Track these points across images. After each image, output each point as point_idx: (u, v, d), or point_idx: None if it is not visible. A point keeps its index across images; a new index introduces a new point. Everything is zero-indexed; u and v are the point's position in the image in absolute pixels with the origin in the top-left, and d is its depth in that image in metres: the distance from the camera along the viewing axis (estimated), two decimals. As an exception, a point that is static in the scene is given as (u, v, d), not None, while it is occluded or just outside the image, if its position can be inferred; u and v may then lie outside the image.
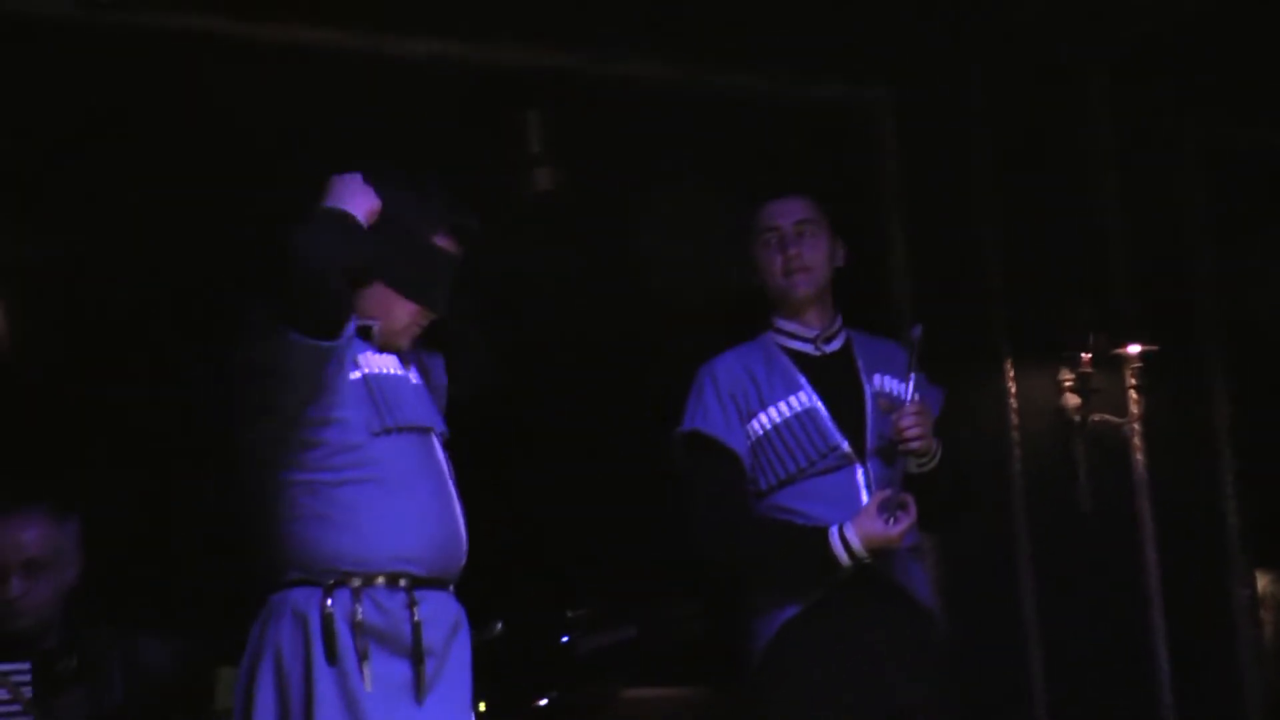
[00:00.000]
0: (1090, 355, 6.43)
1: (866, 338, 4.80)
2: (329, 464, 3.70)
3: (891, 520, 4.41)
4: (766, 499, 4.56)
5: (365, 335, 3.86)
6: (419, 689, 3.70)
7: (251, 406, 3.67)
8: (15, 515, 4.57)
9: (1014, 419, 6.42)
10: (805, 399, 4.60)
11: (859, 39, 6.32)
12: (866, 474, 4.55)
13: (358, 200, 3.75)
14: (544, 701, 6.02)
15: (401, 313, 3.87)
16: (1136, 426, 6.53)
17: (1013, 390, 6.43)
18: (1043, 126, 6.51)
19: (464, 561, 3.86)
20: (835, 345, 4.73)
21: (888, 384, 4.67)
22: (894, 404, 4.60)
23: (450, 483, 3.85)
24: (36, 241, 6.23)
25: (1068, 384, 6.46)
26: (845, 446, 4.54)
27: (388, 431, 3.74)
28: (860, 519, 4.43)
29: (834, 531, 4.43)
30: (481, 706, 5.97)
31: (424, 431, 3.82)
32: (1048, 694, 6.30)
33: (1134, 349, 6.49)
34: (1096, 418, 6.47)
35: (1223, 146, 6.86)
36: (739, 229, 4.75)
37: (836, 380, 4.66)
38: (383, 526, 3.71)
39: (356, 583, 3.68)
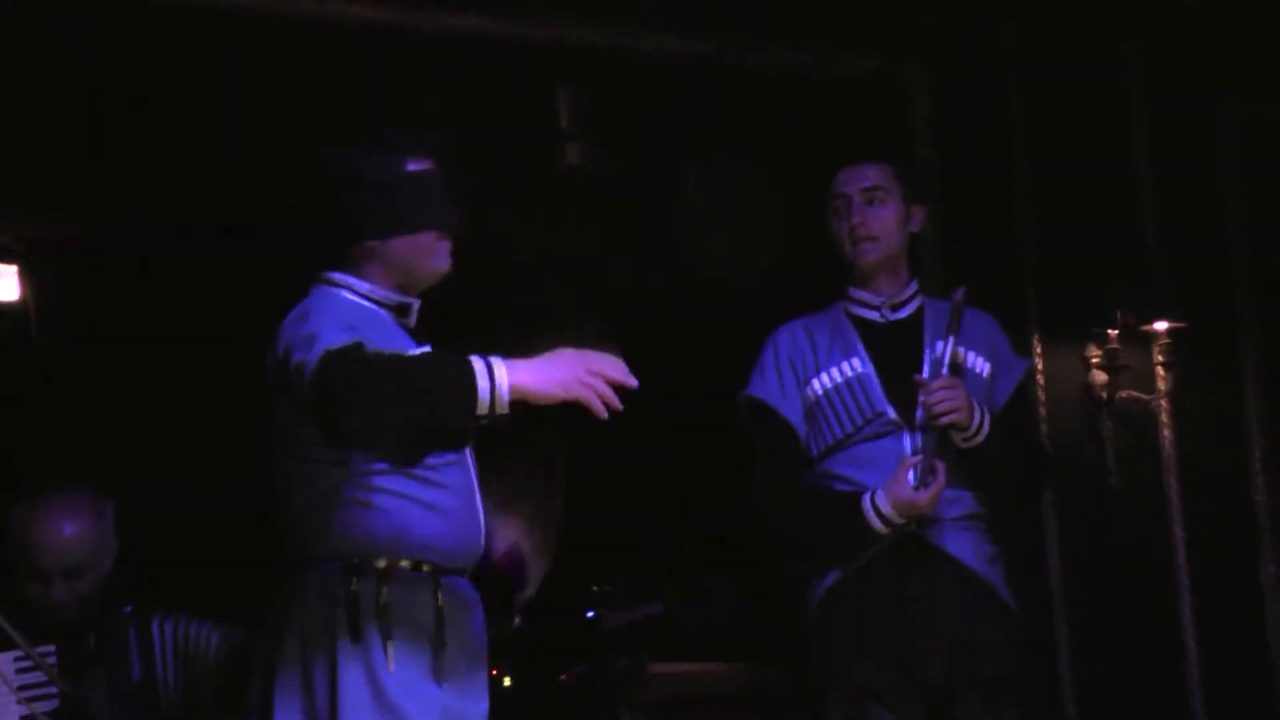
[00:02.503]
0: (1118, 332, 6.41)
1: (943, 305, 4.79)
2: (367, 454, 3.68)
3: (921, 488, 4.39)
4: (818, 464, 4.60)
5: (402, 313, 3.84)
6: (440, 672, 3.70)
7: (287, 390, 3.64)
8: (55, 508, 4.53)
9: (1041, 395, 6.40)
10: (858, 365, 4.63)
11: (892, 12, 6.30)
12: (914, 442, 4.56)
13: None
14: (568, 677, 6.02)
15: (423, 250, 3.84)
16: (1164, 403, 6.51)
17: (1040, 366, 6.41)
18: (1076, 101, 6.48)
19: (482, 550, 3.85)
20: (905, 313, 4.76)
21: (948, 349, 4.64)
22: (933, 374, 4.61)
23: (474, 472, 3.85)
24: (66, 218, 6.23)
25: (1095, 360, 6.44)
26: (891, 413, 4.57)
27: None
28: (890, 484, 4.47)
29: (866, 497, 4.47)
30: (506, 682, 5.99)
31: None
32: (1074, 670, 6.30)
33: (1162, 325, 6.46)
34: (1124, 394, 6.45)
35: (1257, 124, 6.82)
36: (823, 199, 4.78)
37: (898, 347, 4.68)
38: (414, 514, 3.71)
39: (383, 564, 3.68)
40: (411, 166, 3.83)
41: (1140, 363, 6.49)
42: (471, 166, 4.06)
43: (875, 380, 4.61)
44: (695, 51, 6.03)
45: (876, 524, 4.46)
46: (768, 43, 6.11)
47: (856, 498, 4.48)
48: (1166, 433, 6.51)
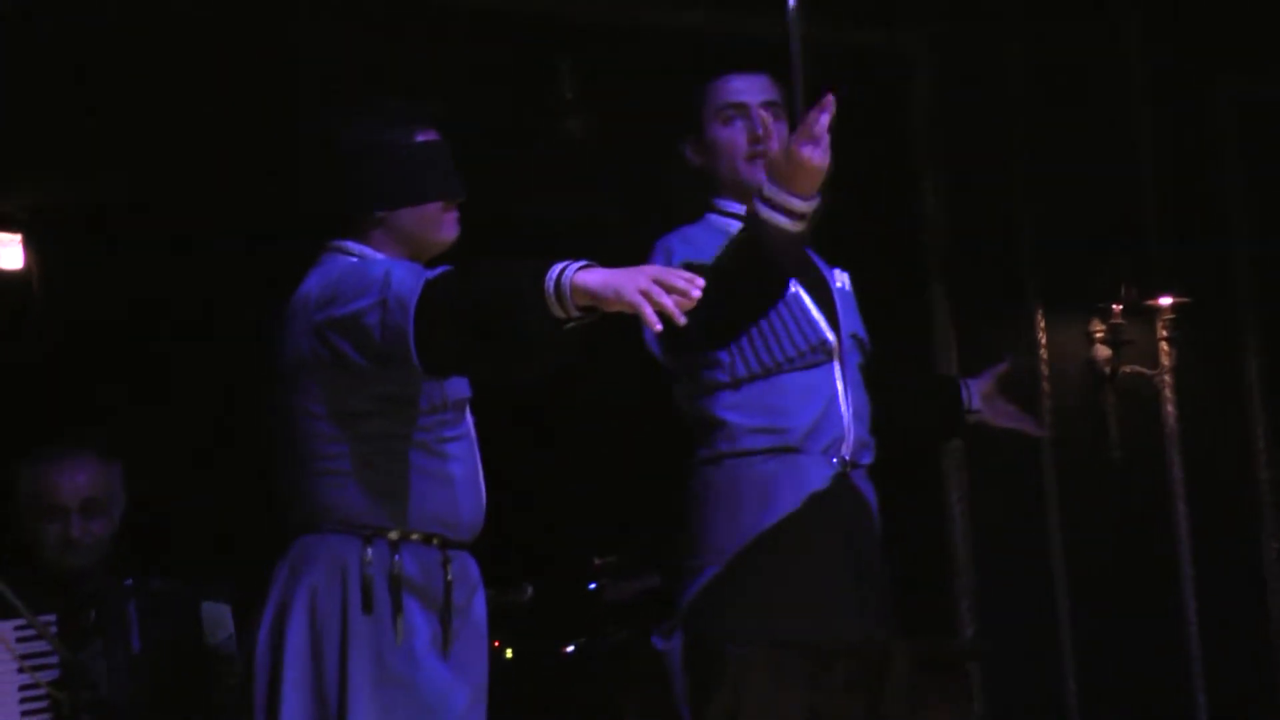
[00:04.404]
0: (1121, 306, 6.41)
1: None
2: (386, 425, 3.69)
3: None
4: (740, 389, 4.12)
5: None
6: (445, 644, 3.71)
7: (327, 358, 3.65)
8: (67, 454, 4.60)
9: (1044, 370, 6.41)
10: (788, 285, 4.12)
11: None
12: (843, 373, 4.17)
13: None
14: (571, 648, 6.03)
15: (430, 220, 3.83)
16: (1167, 378, 6.52)
17: (1043, 341, 6.42)
18: (1077, 77, 6.48)
19: (483, 523, 3.85)
20: None
21: (845, 280, 4.30)
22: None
23: (477, 447, 3.85)
24: (70, 186, 6.22)
25: (1099, 335, 6.44)
26: (831, 339, 4.15)
27: (446, 408, 3.73)
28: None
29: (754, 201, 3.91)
30: (509, 653, 5.99)
31: (465, 402, 3.82)
32: (1075, 644, 6.31)
33: (1165, 300, 6.47)
34: (1127, 369, 6.46)
35: (1257, 98, 6.82)
36: (686, 102, 4.29)
37: (805, 270, 4.20)
38: (425, 486, 3.70)
39: (394, 536, 3.68)
40: (419, 137, 3.82)
41: (1143, 338, 6.50)
42: (477, 138, 4.05)
43: (808, 303, 4.15)
44: (696, 23, 6.01)
45: (783, 220, 3.86)
46: (769, 14, 6.10)
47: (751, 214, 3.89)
48: (1169, 408, 6.52)
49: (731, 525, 4.07)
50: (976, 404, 4.46)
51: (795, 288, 4.11)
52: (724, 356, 4.10)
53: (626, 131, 6.03)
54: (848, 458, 4.14)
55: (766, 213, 3.87)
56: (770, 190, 3.87)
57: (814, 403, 4.11)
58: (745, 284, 3.94)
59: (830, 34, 6.24)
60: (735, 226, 4.10)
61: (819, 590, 4.04)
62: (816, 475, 4.10)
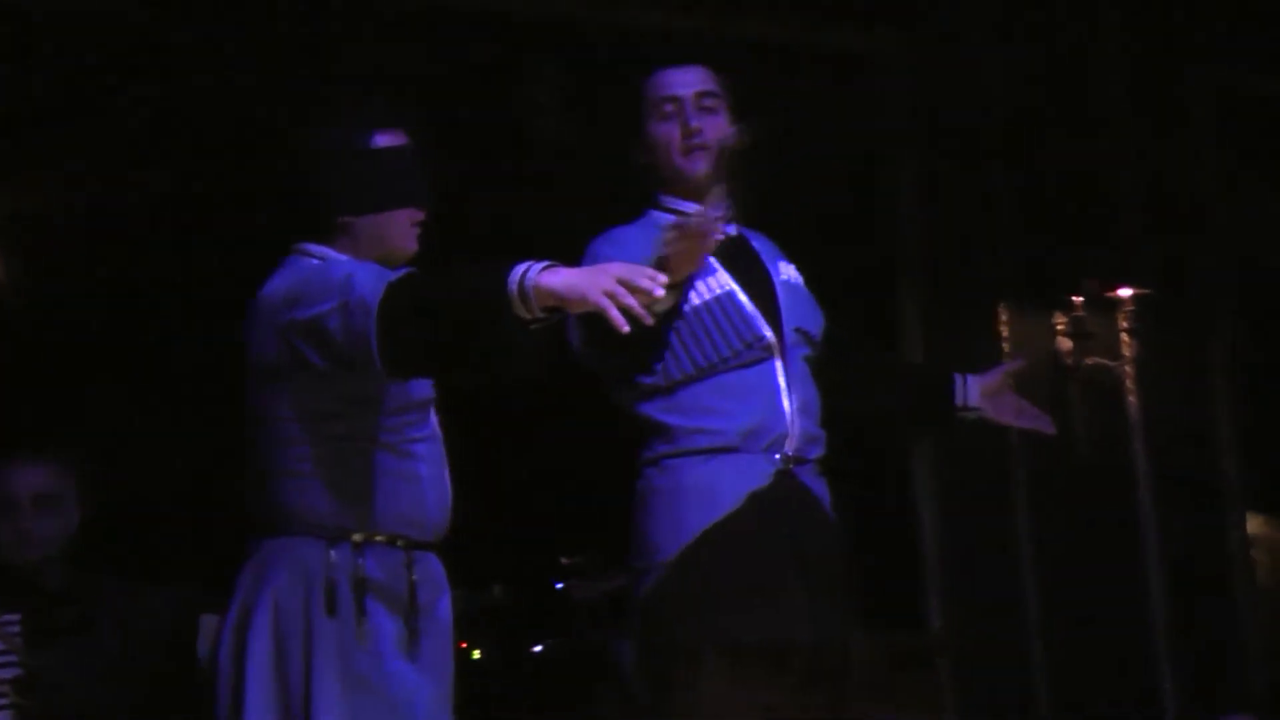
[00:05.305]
0: (1084, 299, 6.42)
1: (748, 229, 4.33)
2: (350, 427, 3.69)
3: None
4: (677, 392, 4.10)
5: None
6: (410, 645, 3.70)
7: (290, 360, 3.64)
8: (20, 457, 4.65)
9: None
10: (722, 282, 4.14)
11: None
12: (785, 368, 4.15)
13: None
14: (538, 649, 6.03)
15: (393, 226, 3.83)
16: (1130, 370, 6.53)
17: (1005, 334, 6.43)
18: (1052, 69, 6.50)
19: (448, 523, 3.85)
20: (732, 230, 4.23)
21: (791, 273, 4.28)
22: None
23: (443, 447, 3.84)
24: (40, 191, 6.20)
25: (1061, 328, 6.45)
26: (769, 336, 4.13)
27: (411, 408, 3.73)
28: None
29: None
30: (476, 654, 5.99)
31: (430, 402, 3.81)
32: (1044, 636, 6.32)
33: (1126, 292, 6.48)
34: (1090, 361, 6.47)
35: (1232, 91, 6.84)
36: (627, 99, 4.29)
37: (745, 266, 4.21)
38: (390, 488, 3.71)
39: (358, 538, 3.67)
40: (385, 142, 3.81)
41: (1106, 330, 6.51)
42: (448, 140, 4.05)
43: (743, 301, 4.13)
44: (677, 24, 6.01)
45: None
46: (749, 16, 6.11)
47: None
48: (1133, 399, 6.53)
49: (675, 526, 4.06)
50: (974, 400, 4.41)
51: (730, 285, 4.12)
52: (656, 362, 4.07)
53: (600, 132, 6.04)
54: (791, 454, 4.12)
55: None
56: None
57: (753, 401, 4.10)
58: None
59: (803, 32, 6.27)
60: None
61: (764, 589, 4.01)
62: (758, 473, 4.08)
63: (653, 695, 4.00)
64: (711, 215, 3.46)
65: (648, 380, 4.11)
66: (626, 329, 3.33)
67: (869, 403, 4.46)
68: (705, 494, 4.06)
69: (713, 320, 4.09)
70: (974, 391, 4.42)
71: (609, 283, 3.32)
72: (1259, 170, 6.84)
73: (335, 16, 5.64)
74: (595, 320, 3.39)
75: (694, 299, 4.07)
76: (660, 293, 3.35)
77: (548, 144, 6.13)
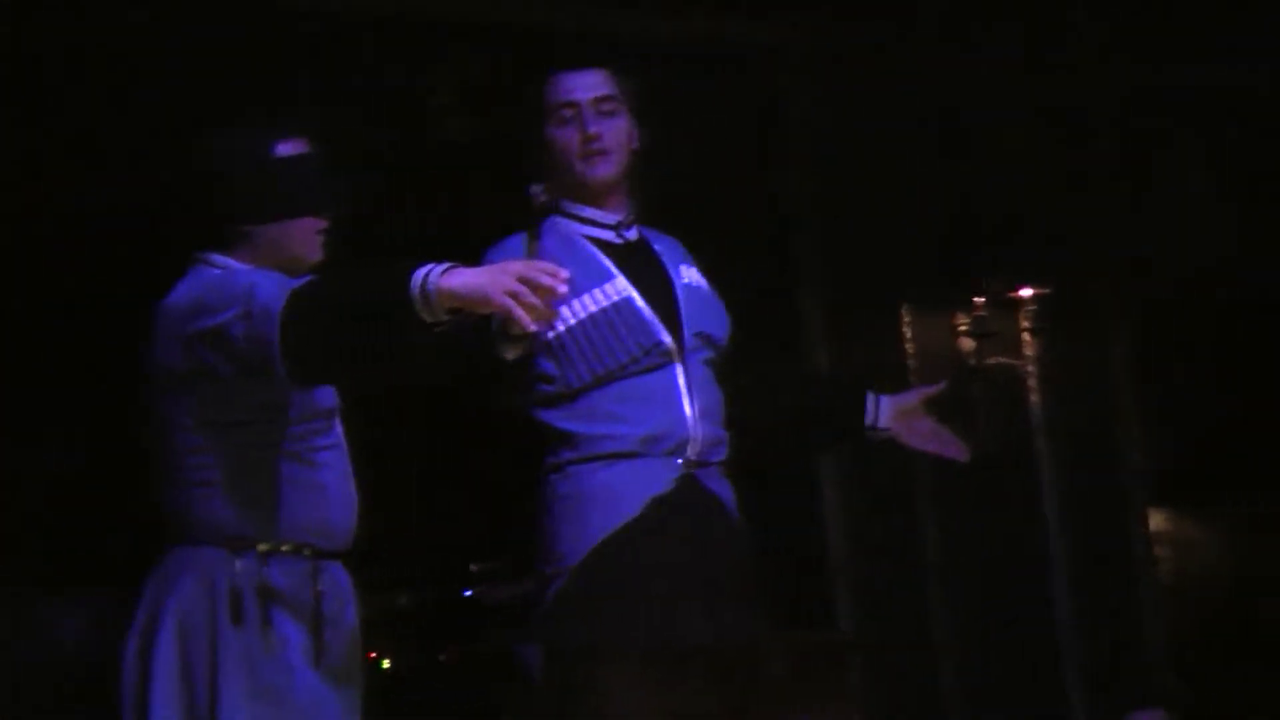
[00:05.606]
0: (984, 299, 6.46)
1: (653, 231, 4.31)
2: (255, 435, 3.68)
3: None
4: (578, 399, 4.07)
5: None
6: (316, 655, 3.69)
7: (195, 370, 3.62)
8: None
9: (910, 364, 6.45)
10: (619, 289, 4.11)
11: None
12: (686, 373, 4.13)
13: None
14: (446, 656, 6.02)
15: (297, 234, 3.81)
16: (1032, 368, 6.58)
17: (908, 335, 6.45)
18: (942, 67, 6.52)
19: (354, 532, 3.84)
20: (633, 234, 4.22)
21: (694, 277, 4.26)
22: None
23: (347, 456, 3.83)
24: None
25: (963, 328, 6.49)
26: (668, 341, 4.10)
27: (316, 416, 3.72)
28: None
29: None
30: (385, 663, 5.98)
31: (335, 411, 3.81)
32: (949, 635, 6.35)
33: (1027, 292, 6.52)
34: (992, 361, 6.50)
35: (1130, 86, 6.89)
36: (525, 102, 4.24)
37: (644, 271, 4.17)
38: (295, 497, 3.70)
39: (264, 548, 3.67)
40: (286, 150, 3.79)
41: (1007, 329, 6.55)
42: (348, 143, 4.03)
43: (641, 306, 4.10)
44: (573, 23, 6.01)
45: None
46: (644, 12, 6.11)
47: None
48: (1035, 397, 6.58)
49: (577, 532, 4.04)
50: (885, 422, 4.37)
51: (628, 291, 4.10)
52: (553, 370, 4.07)
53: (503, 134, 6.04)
54: (694, 458, 4.11)
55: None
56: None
57: (654, 407, 4.08)
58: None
59: (702, 26, 6.27)
60: (576, 229, 4.14)
61: (663, 593, 4.00)
62: (658, 478, 4.07)
63: (558, 700, 3.98)
64: (562, 275, 3.43)
65: (548, 388, 4.09)
66: (533, 328, 3.34)
67: (772, 412, 4.42)
68: (607, 499, 4.04)
69: (609, 327, 4.07)
70: (886, 412, 4.38)
71: (510, 282, 3.32)
72: (1160, 166, 6.90)
73: (241, 21, 5.61)
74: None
75: (590, 306, 4.06)
76: (564, 289, 3.36)
77: (452, 146, 6.12)
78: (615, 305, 4.08)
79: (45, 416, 6.21)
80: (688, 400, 4.12)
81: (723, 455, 4.18)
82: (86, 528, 5.87)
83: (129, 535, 3.89)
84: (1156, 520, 7.00)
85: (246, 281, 3.56)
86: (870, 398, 4.39)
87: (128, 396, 3.78)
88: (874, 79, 6.46)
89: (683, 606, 4.01)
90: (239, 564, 3.64)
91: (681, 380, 4.12)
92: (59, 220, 6.21)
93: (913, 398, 4.41)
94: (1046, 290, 6.55)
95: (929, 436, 4.41)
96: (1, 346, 6.17)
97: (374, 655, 5.88)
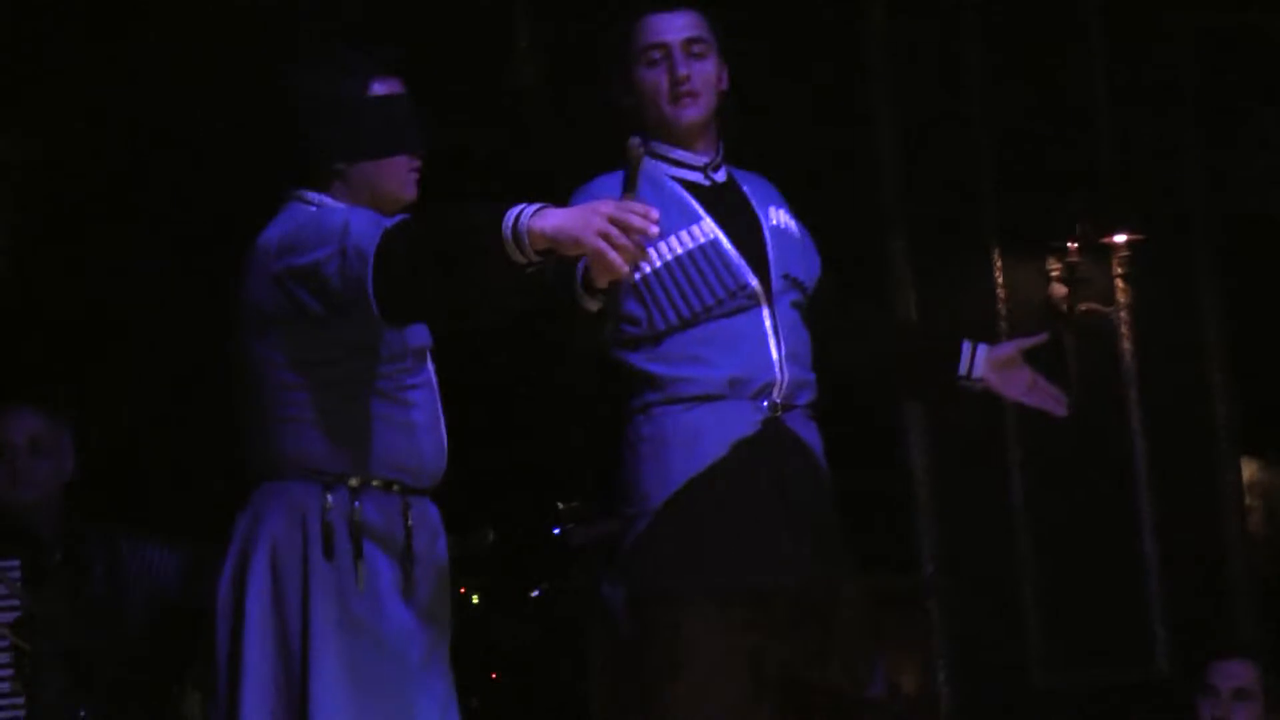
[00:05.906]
0: (1077, 245, 6.43)
1: (744, 171, 4.27)
2: (346, 373, 3.70)
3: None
4: (663, 342, 4.06)
5: None
6: (407, 589, 3.73)
7: (286, 307, 3.66)
8: (16, 405, 4.80)
9: (1001, 309, 6.44)
10: (706, 231, 4.09)
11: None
12: (773, 316, 4.10)
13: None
14: (536, 593, 6.05)
15: (390, 173, 3.84)
16: (1124, 315, 6.55)
17: (1000, 280, 6.44)
18: (1031, 16, 6.50)
19: (444, 471, 3.87)
20: (722, 176, 4.19)
21: (783, 219, 4.22)
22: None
23: (438, 394, 3.86)
24: (19, 138, 6.21)
25: (1055, 274, 6.47)
26: (754, 284, 4.07)
27: (407, 355, 3.75)
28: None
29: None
30: (475, 599, 6.02)
31: (426, 350, 3.83)
32: (1036, 583, 6.35)
33: (1121, 238, 6.49)
34: (1084, 307, 6.48)
35: (1213, 32, 6.83)
36: (613, 43, 4.19)
37: (732, 213, 4.14)
38: (386, 433, 3.72)
39: (354, 483, 3.70)
40: (379, 89, 3.82)
41: (1100, 275, 6.52)
42: (433, 84, 4.05)
43: (729, 248, 4.08)
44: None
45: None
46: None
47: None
48: (1127, 344, 6.55)
49: (661, 474, 4.04)
50: (980, 372, 4.26)
51: (715, 233, 4.08)
52: (638, 312, 4.05)
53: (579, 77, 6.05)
54: (779, 401, 4.08)
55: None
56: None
57: (740, 349, 4.06)
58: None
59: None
60: (665, 170, 4.12)
61: (748, 535, 4.00)
62: (743, 420, 4.05)
63: (642, 639, 3.99)
64: (653, 215, 3.43)
65: (633, 330, 4.07)
66: (625, 270, 3.33)
67: (863, 357, 4.37)
68: (691, 441, 4.03)
69: (696, 269, 4.04)
70: (982, 363, 4.27)
71: (601, 223, 3.31)
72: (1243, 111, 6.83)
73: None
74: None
75: (677, 248, 4.04)
76: (655, 230, 3.34)
77: (537, 89, 6.12)
78: (702, 247, 4.06)
79: (141, 362, 6.29)
80: (774, 343, 4.09)
81: (810, 398, 4.15)
82: (181, 470, 5.95)
83: (217, 477, 3.94)
84: (1248, 470, 6.97)
85: (341, 219, 3.58)
86: (966, 346, 4.30)
87: (222, 336, 3.83)
88: (962, 17, 6.44)
89: (765, 549, 4.00)
90: (330, 497, 3.67)
91: (768, 323, 4.09)
92: (155, 159, 6.26)
93: (1010, 349, 4.31)
94: (1140, 237, 6.51)
95: (1027, 389, 4.31)
96: (98, 290, 6.25)
97: (464, 590, 5.93)
